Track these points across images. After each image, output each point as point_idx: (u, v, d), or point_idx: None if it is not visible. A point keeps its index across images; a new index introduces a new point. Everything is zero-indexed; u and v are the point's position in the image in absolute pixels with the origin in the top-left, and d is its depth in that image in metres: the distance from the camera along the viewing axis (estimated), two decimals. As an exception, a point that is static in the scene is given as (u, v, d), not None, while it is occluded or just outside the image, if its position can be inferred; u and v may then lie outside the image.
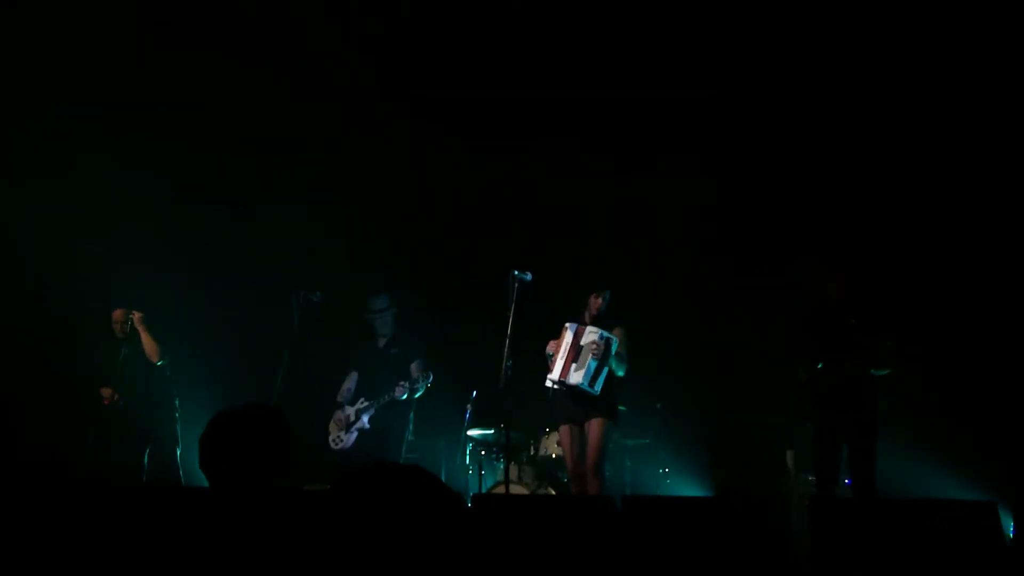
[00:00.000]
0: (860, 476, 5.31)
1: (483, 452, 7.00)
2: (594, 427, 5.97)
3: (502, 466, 6.10)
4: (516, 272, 5.77)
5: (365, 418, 6.73)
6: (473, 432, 6.99)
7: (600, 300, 6.15)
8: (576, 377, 5.85)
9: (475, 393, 6.98)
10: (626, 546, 3.79)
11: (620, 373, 6.05)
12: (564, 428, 6.09)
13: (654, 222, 7.63)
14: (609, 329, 6.04)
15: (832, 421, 5.37)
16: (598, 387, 5.87)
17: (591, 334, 5.91)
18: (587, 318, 6.17)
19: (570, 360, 5.94)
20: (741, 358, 7.30)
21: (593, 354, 5.82)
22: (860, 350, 5.26)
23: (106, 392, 6.44)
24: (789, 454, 6.36)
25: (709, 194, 7.26)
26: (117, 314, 6.58)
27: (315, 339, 6.71)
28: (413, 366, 6.74)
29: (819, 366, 5.42)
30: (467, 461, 7.08)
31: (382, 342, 6.95)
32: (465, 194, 8.01)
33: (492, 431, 6.85)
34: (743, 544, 3.80)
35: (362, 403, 6.78)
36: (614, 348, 5.92)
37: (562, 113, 7.33)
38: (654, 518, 3.89)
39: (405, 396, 6.55)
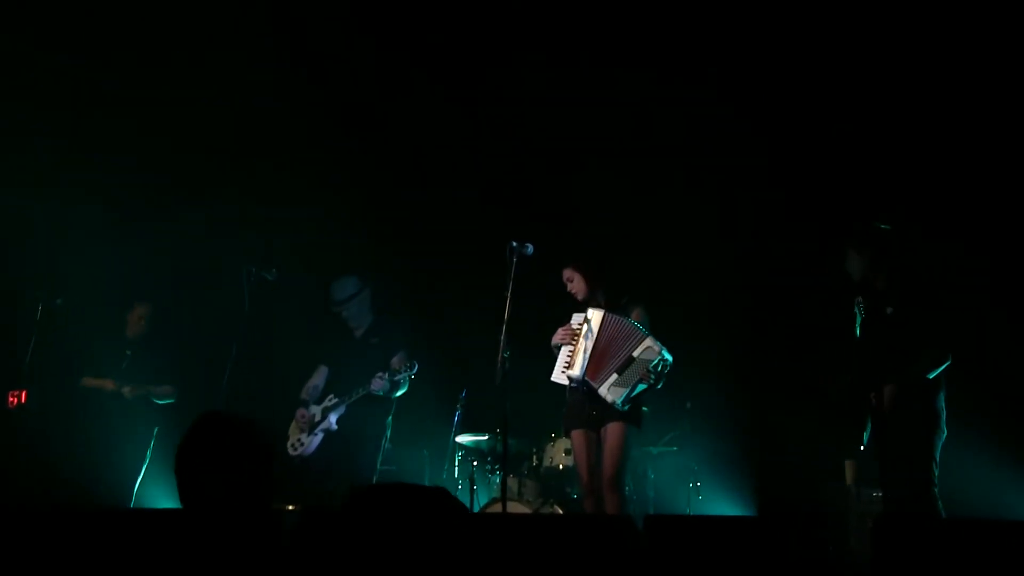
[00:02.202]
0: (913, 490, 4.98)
1: (475, 463, 6.68)
2: (613, 432, 5.41)
3: (498, 479, 5.93)
4: (515, 243, 5.27)
5: (333, 418, 6.23)
6: (463, 439, 6.73)
7: (575, 280, 5.55)
8: (613, 394, 5.31)
9: (465, 392, 6.67)
10: None
11: None
12: (576, 434, 5.55)
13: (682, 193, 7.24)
14: (626, 308, 5.54)
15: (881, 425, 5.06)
16: (627, 406, 5.37)
17: (650, 349, 5.29)
18: (600, 301, 5.61)
19: (603, 360, 5.37)
20: (787, 348, 6.84)
21: (643, 377, 5.28)
22: (895, 354, 4.97)
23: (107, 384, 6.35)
24: (848, 465, 5.85)
25: (756, 171, 6.96)
26: (142, 310, 6.50)
27: (273, 327, 6.49)
28: (395, 360, 6.26)
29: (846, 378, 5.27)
30: (456, 474, 6.79)
31: (359, 332, 6.48)
32: (455, 152, 7.61)
33: (486, 437, 6.59)
34: (791, 573, 3.43)
35: (331, 400, 6.28)
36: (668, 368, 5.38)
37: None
38: (683, 542, 3.53)
39: (384, 391, 6.06)
